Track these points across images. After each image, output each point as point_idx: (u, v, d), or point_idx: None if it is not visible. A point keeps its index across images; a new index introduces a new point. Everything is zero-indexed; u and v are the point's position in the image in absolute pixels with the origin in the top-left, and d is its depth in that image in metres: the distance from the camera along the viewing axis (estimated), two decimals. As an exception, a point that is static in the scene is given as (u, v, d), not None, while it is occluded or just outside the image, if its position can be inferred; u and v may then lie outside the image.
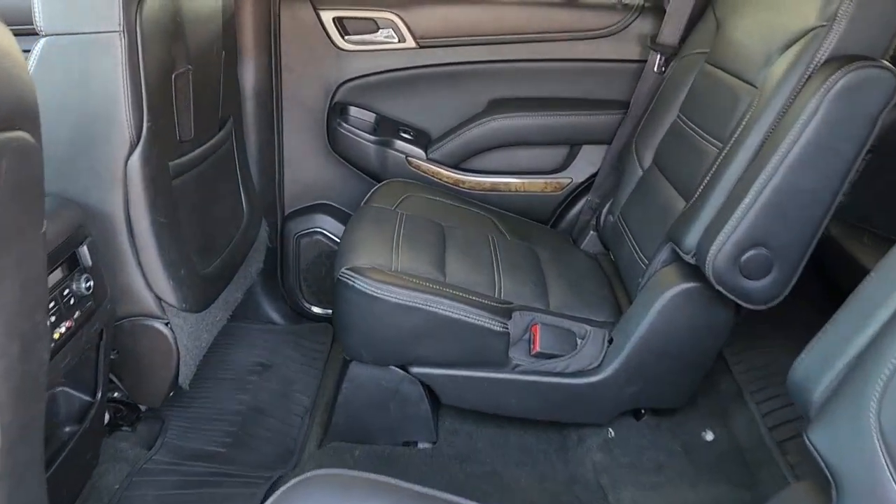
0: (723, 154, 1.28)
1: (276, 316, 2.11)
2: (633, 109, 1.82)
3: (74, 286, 1.10)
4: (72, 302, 1.09)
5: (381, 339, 1.39)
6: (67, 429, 1.25)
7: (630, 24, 1.85)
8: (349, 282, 1.37)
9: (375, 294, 1.34)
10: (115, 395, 1.48)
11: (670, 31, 1.74)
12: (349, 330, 1.41)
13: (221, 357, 1.89)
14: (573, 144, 1.96)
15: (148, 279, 1.32)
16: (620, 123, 1.87)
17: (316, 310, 2.12)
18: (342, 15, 1.86)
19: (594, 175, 1.95)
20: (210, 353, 1.64)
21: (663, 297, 1.32)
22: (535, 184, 1.97)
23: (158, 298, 1.34)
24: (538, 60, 1.90)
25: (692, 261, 1.28)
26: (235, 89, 1.74)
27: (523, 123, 1.92)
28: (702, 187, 1.30)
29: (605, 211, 1.80)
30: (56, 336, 1.05)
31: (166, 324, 1.37)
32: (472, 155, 1.96)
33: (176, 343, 1.38)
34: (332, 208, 2.07)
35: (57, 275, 1.07)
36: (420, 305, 1.34)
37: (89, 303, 1.16)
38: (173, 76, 1.34)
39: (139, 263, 1.31)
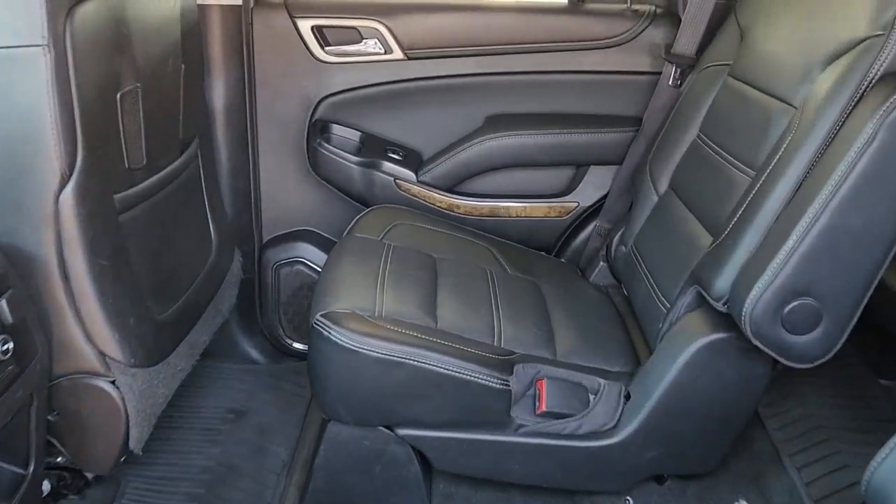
0: (758, 185, 1.10)
1: (254, 353, 1.93)
2: (646, 127, 1.65)
3: (-14, 352, 0.92)
4: (-17, 371, 0.91)
5: (362, 397, 1.21)
6: (-6, 508, 1.07)
7: (641, 32, 1.68)
8: (324, 331, 1.19)
9: (354, 347, 1.16)
10: (59, 459, 1.30)
11: (687, 41, 1.57)
12: (325, 386, 1.23)
13: (190, 402, 1.71)
14: (579, 165, 1.79)
15: (88, 332, 1.14)
16: (632, 142, 1.70)
17: (298, 346, 1.94)
18: (322, 23, 1.69)
19: (603, 198, 1.78)
20: (177, 397, 1.46)
21: (689, 349, 1.14)
22: (538, 208, 1.80)
23: (102, 353, 1.16)
24: (540, 73, 1.73)
25: (723, 309, 1.10)
26: (200, 107, 1.57)
27: (524, 142, 1.74)
28: (733, 222, 1.12)
29: (616, 240, 1.62)
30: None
31: (112, 382, 1.19)
32: (467, 177, 1.78)
33: (124, 404, 1.20)
34: (314, 235, 1.89)
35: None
36: (406, 360, 1.16)
37: (10, 367, 0.98)
38: (118, 95, 1.17)
39: (77, 314, 1.13)
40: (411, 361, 1.16)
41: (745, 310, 1.02)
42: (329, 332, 1.18)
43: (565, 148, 1.75)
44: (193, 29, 1.49)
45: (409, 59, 1.71)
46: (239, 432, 1.65)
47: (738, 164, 1.22)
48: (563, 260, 1.84)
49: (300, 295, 1.90)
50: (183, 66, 1.41)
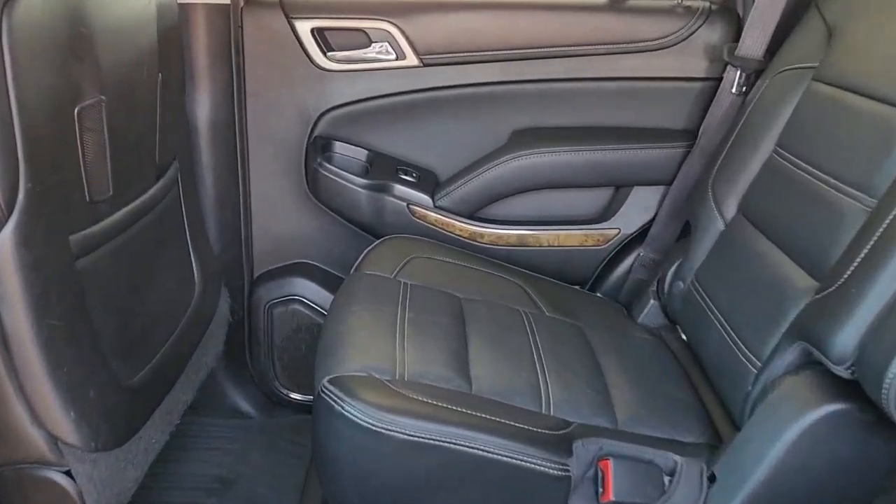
0: (889, 219, 0.88)
1: (244, 405, 1.70)
2: (704, 141, 1.43)
3: None
4: None
5: (382, 486, 0.98)
6: None
7: (694, 32, 1.47)
8: (335, 403, 0.96)
9: (374, 426, 0.93)
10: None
11: (753, 41, 1.36)
12: (334, 472, 0.99)
13: (168, 470, 1.47)
14: (621, 186, 1.57)
15: (35, 411, 0.91)
16: (684, 159, 1.48)
17: (295, 396, 1.71)
18: (324, 25, 1.47)
19: (648, 224, 1.56)
20: (152, 464, 1.22)
21: (799, 423, 0.91)
22: (573, 236, 1.58)
23: (53, 437, 0.93)
24: (575, 80, 1.51)
25: (847, 374, 0.87)
26: (181, 123, 1.34)
27: (556, 161, 1.52)
28: (854, 266, 0.90)
29: (670, 274, 1.39)
30: None
31: (66, 472, 0.95)
32: (492, 201, 1.56)
33: (81, 498, 0.97)
34: (313, 269, 1.67)
35: None
36: (440, 442, 0.93)
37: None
38: (76, 110, 0.94)
39: (21, 390, 0.90)
40: (447, 444, 0.93)
41: (887, 381, 0.80)
42: (341, 406, 0.95)
43: (605, 166, 1.53)
44: (173, 31, 1.27)
45: (425, 65, 1.49)
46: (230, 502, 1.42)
47: (847, 188, 1.00)
48: (599, 295, 1.62)
49: (297, 338, 1.67)
50: (160, 75, 1.19)
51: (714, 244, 1.30)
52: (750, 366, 1.06)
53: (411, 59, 1.48)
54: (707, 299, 1.25)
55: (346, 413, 0.94)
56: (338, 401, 0.95)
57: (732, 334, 1.14)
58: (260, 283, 1.65)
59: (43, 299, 0.88)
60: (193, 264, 1.36)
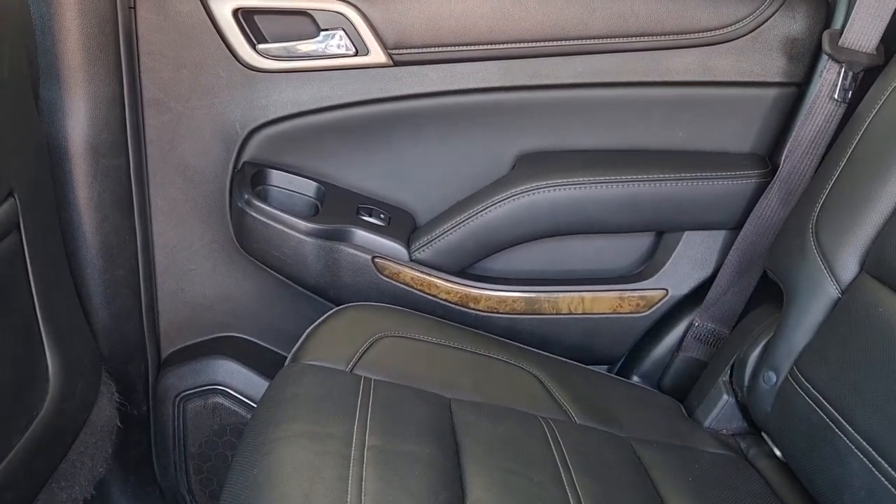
0: None
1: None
2: (789, 167, 1.05)
3: None
4: None
5: None
6: None
7: (769, 19, 1.09)
8: None
9: None
10: None
11: (864, 29, 0.99)
12: None
13: None
14: (668, 231, 1.18)
15: None
16: (758, 193, 1.10)
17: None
18: (251, 5, 1.07)
19: (707, 283, 1.17)
20: None
21: None
22: (602, 300, 1.18)
23: None
24: (604, 85, 1.13)
25: None
26: (26, 144, 0.92)
27: (579, 196, 1.13)
28: None
29: (753, 359, 1.00)
30: None
31: None
32: (490, 253, 1.16)
33: None
34: (241, 344, 1.25)
35: None
36: None
37: None
38: None
39: None
40: None
41: None
42: None
43: (645, 205, 1.14)
44: (21, 14, 0.86)
45: (396, 63, 1.09)
46: None
47: None
48: (640, 383, 1.22)
49: (219, 444, 1.24)
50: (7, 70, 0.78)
51: (825, 318, 0.91)
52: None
53: (377, 55, 1.08)
54: (826, 403, 0.85)
55: None
56: None
57: (880, 457, 0.73)
58: (169, 367, 1.23)
59: None
60: (47, 351, 0.93)
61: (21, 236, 0.89)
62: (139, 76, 1.08)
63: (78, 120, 1.02)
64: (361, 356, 0.94)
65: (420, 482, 0.73)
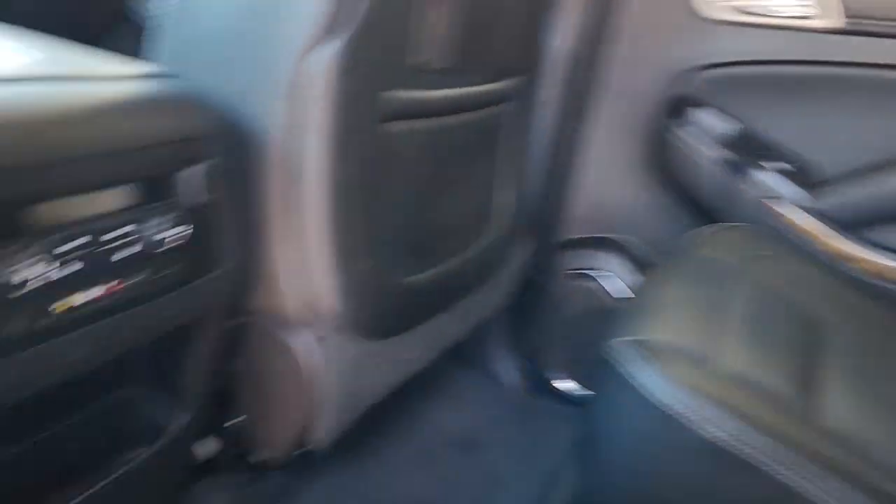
0: None
1: (501, 372, 1.57)
2: None
3: (147, 230, 0.66)
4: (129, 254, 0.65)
5: (654, 490, 0.76)
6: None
7: None
8: (626, 371, 0.77)
9: (673, 412, 0.72)
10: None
11: None
12: (604, 456, 0.80)
13: (402, 416, 1.37)
14: None
15: (303, 261, 0.85)
16: None
17: (557, 385, 1.54)
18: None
19: None
20: (388, 409, 1.15)
21: None
22: None
23: (312, 298, 0.87)
24: None
25: None
26: (540, 42, 1.24)
27: None
28: None
29: None
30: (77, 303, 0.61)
31: (316, 340, 0.89)
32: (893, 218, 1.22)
33: (320, 374, 0.90)
34: (626, 247, 1.47)
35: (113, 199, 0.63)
36: (763, 466, 0.68)
37: (179, 265, 0.71)
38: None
39: (300, 232, 0.84)
40: (764, 465, 0.68)
41: None
42: (634, 376, 0.75)
43: None
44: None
45: (847, 32, 1.20)
46: (466, 469, 1.29)
47: None
48: None
49: (582, 323, 1.49)
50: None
51: None
52: None
53: (832, 19, 1.20)
54: None
55: (638, 386, 0.75)
56: (632, 368, 0.76)
57: None
58: (560, 248, 1.51)
59: (342, 142, 0.82)
60: (492, 200, 1.23)
61: (523, 108, 1.19)
62: (608, 12, 1.32)
63: (564, 34, 1.32)
64: (744, 262, 1.08)
65: (781, 341, 0.87)
